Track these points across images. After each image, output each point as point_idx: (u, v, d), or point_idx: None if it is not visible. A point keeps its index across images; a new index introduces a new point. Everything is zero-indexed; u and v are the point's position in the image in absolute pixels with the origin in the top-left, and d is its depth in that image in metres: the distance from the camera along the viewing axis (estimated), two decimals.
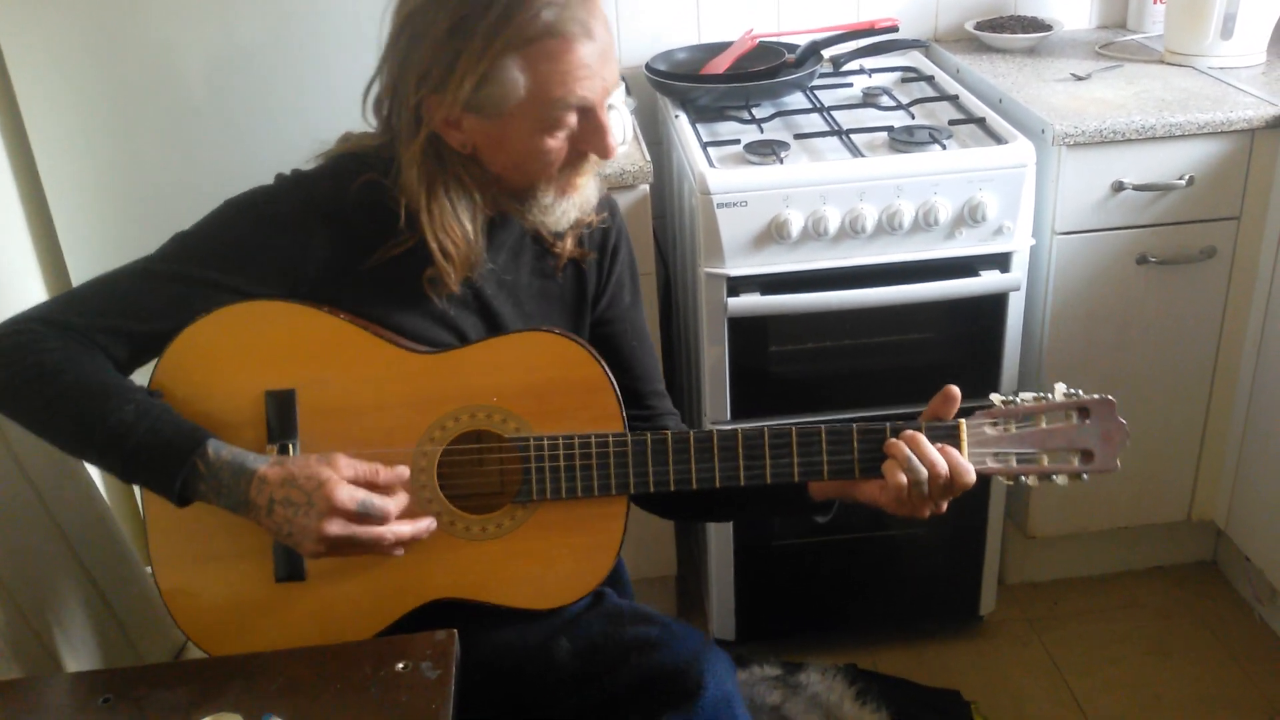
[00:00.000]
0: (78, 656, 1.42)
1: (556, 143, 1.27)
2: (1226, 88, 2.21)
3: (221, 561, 1.32)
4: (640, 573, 2.31)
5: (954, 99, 2.29)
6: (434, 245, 1.31)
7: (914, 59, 2.55)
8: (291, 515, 1.20)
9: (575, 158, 1.31)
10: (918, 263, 2.04)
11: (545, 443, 1.31)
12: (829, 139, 2.15)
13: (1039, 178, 2.07)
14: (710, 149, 2.10)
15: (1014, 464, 1.30)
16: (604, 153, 1.30)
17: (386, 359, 1.31)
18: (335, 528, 1.20)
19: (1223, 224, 2.16)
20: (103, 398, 1.23)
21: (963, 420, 1.30)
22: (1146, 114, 2.08)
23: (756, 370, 2.12)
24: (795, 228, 1.98)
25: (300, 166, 1.37)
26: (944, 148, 2.06)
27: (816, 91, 2.38)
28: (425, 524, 1.27)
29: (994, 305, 2.10)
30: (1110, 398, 1.30)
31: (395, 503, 1.24)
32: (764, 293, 2.03)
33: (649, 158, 2.09)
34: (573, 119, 1.27)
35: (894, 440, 1.28)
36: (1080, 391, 1.31)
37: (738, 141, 2.13)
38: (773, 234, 1.99)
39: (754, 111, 2.27)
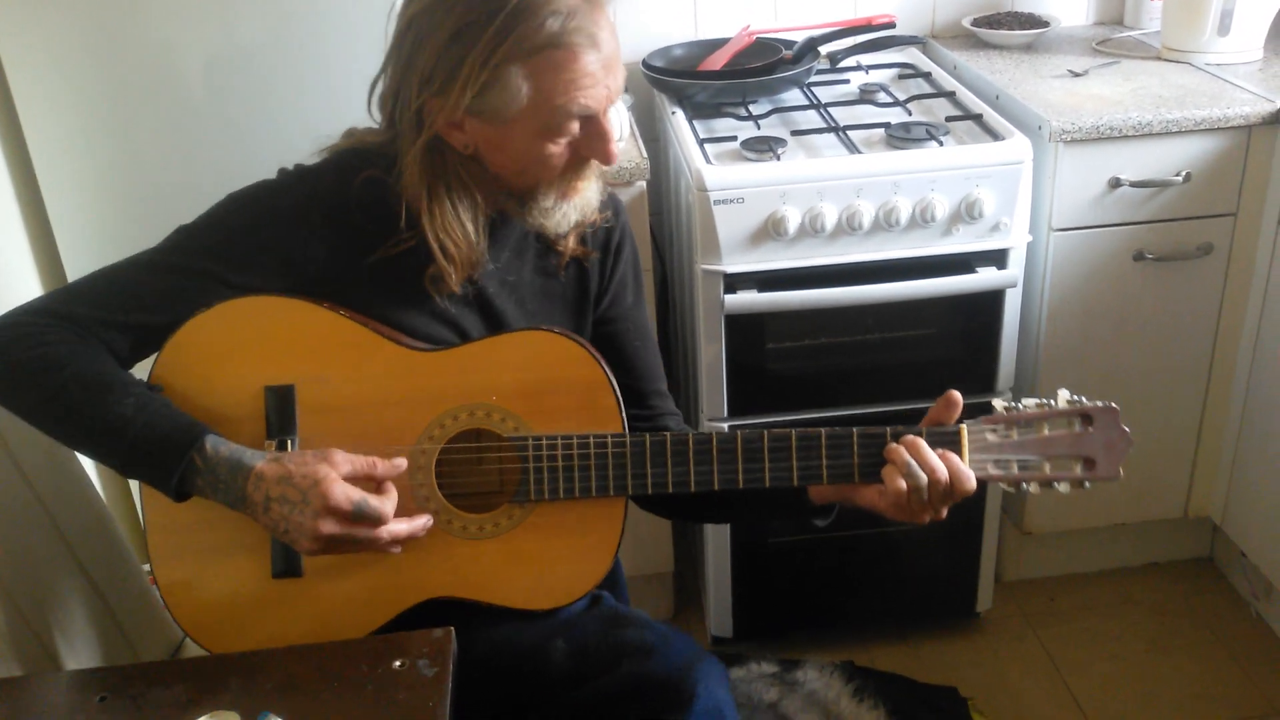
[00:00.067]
0: (75, 654, 1.42)
1: (558, 148, 1.27)
2: (1223, 84, 2.21)
3: (219, 556, 1.32)
4: (637, 570, 2.31)
5: (951, 95, 2.29)
6: (434, 245, 1.30)
7: (911, 55, 2.55)
8: (287, 513, 1.20)
9: (577, 162, 1.31)
10: (915, 259, 2.04)
11: (544, 442, 1.31)
12: (826, 135, 2.14)
13: (1036, 174, 2.07)
14: (707, 146, 2.10)
15: (1015, 471, 1.29)
16: (606, 159, 1.30)
17: (386, 356, 1.31)
18: (330, 526, 1.20)
19: (1219, 220, 2.16)
20: (102, 391, 1.23)
21: (964, 426, 1.29)
22: (1143, 110, 2.08)
23: (753, 367, 2.12)
24: (792, 225, 1.98)
25: (303, 161, 1.37)
26: (941, 144, 2.05)
27: (814, 88, 2.38)
28: (422, 522, 1.27)
29: (991, 302, 2.10)
30: (1114, 405, 1.29)
31: (391, 503, 1.24)
32: (761, 290, 2.03)
33: (646, 154, 2.09)
34: (575, 126, 1.26)
35: (894, 445, 1.27)
36: (1084, 399, 1.29)
37: (735, 138, 2.13)
38: (770, 231, 1.99)
39: (751, 108, 2.26)
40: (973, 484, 1.27)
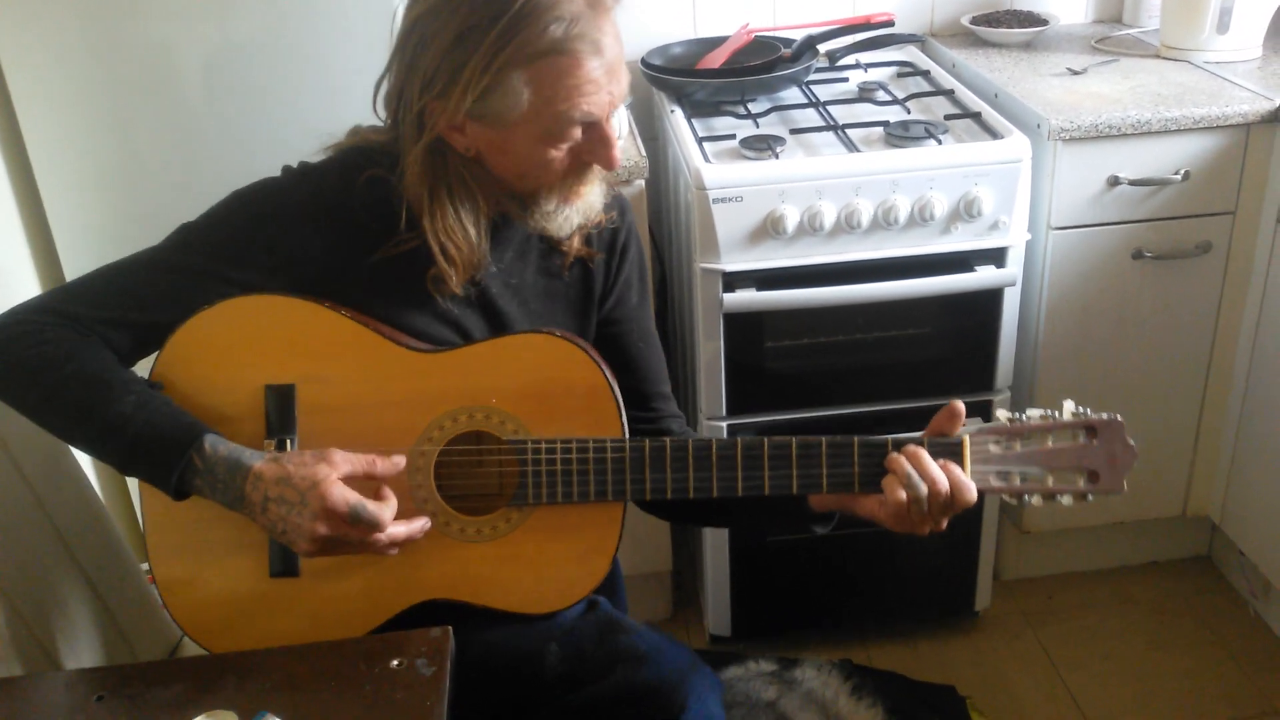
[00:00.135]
0: (72, 654, 1.42)
1: (560, 153, 1.27)
2: (1222, 82, 2.21)
3: (217, 555, 1.32)
4: (636, 569, 2.31)
5: (950, 94, 2.29)
6: (435, 247, 1.30)
7: (910, 54, 2.55)
8: (285, 514, 1.20)
9: (580, 166, 1.30)
10: (913, 258, 2.04)
11: (543, 446, 1.30)
12: (825, 134, 2.14)
13: (1035, 172, 2.07)
14: (706, 144, 2.10)
15: (1018, 483, 1.28)
16: (609, 164, 1.29)
17: (387, 357, 1.31)
18: (327, 528, 1.19)
19: (1218, 219, 2.16)
20: (102, 389, 1.23)
21: (966, 436, 1.28)
22: (1142, 109, 2.08)
23: (752, 366, 2.12)
24: (791, 223, 1.98)
25: (307, 159, 1.36)
26: (940, 143, 2.05)
27: (812, 86, 2.38)
28: (420, 524, 1.27)
29: (989, 300, 2.10)
30: (1118, 418, 1.28)
31: (390, 508, 1.23)
32: (760, 288, 2.03)
33: (645, 153, 2.09)
34: (577, 132, 1.25)
35: (895, 455, 1.26)
36: (1088, 410, 1.28)
37: (733, 136, 2.13)
38: (768, 229, 1.99)
39: (750, 106, 2.26)
40: (973, 495, 1.26)
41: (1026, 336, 2.24)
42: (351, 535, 1.21)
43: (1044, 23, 2.55)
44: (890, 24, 2.41)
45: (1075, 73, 2.32)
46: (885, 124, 2.14)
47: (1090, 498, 1.28)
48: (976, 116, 2.16)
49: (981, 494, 1.27)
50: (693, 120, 2.22)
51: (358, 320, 1.31)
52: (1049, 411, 1.29)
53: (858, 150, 2.04)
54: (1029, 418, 1.29)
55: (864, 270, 2.03)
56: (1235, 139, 2.10)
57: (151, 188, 1.92)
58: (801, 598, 2.38)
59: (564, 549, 1.33)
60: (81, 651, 1.43)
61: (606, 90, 1.24)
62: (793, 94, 2.35)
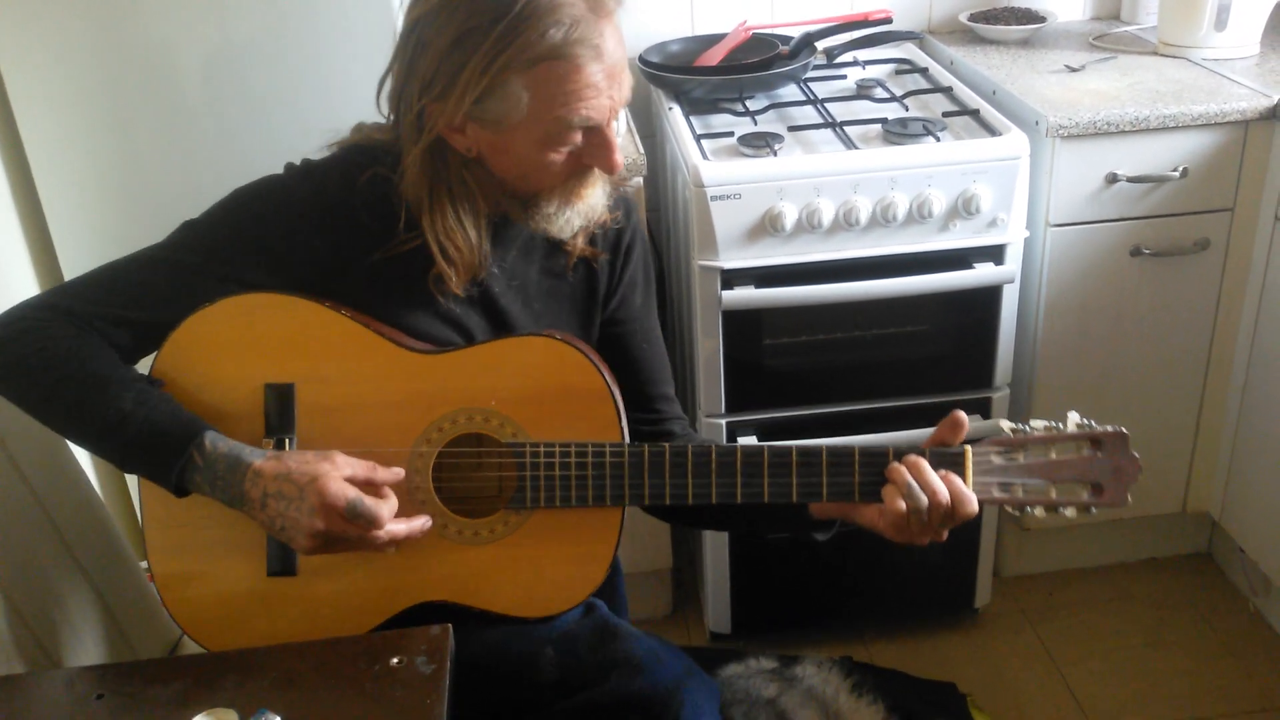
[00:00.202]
0: (72, 652, 1.42)
1: (560, 156, 1.26)
2: (1220, 79, 2.21)
3: (216, 553, 1.32)
4: (636, 566, 2.31)
5: (948, 91, 2.29)
6: (435, 248, 1.30)
7: (908, 51, 2.55)
8: (283, 509, 1.20)
9: (581, 170, 1.29)
10: (912, 255, 2.04)
11: (541, 450, 1.30)
12: (823, 131, 2.14)
13: (1033, 170, 2.07)
14: (704, 141, 2.10)
15: (1020, 494, 1.27)
16: (610, 169, 1.29)
17: (387, 357, 1.31)
18: (325, 524, 1.19)
19: (1217, 215, 2.16)
20: (102, 386, 1.23)
21: (968, 447, 1.27)
22: (1140, 106, 2.08)
23: (751, 363, 2.12)
24: (789, 220, 1.98)
25: (310, 156, 1.36)
26: (938, 140, 2.05)
27: (810, 84, 2.38)
28: (420, 523, 1.27)
29: (988, 297, 2.10)
30: (1123, 430, 1.26)
31: (389, 506, 1.22)
32: (758, 285, 2.03)
33: (642, 150, 2.09)
34: (577, 137, 1.25)
35: (895, 465, 1.25)
36: (1093, 423, 1.27)
37: (731, 134, 2.13)
38: (767, 226, 1.99)
39: (748, 104, 2.26)
40: (974, 507, 1.25)
41: (1025, 334, 2.24)
42: (350, 532, 1.21)
43: (1042, 20, 2.55)
44: (888, 21, 2.41)
45: (1073, 70, 2.32)
46: (883, 121, 2.14)
47: (1093, 510, 1.27)
48: (975, 114, 2.16)
49: (983, 505, 1.26)
50: (691, 118, 2.22)
51: (358, 320, 1.31)
52: (1053, 423, 1.28)
53: (856, 147, 2.04)
54: (1033, 429, 1.27)
55: (862, 267, 2.03)
56: (1233, 136, 2.10)
57: (150, 187, 1.92)
58: (801, 595, 2.38)
59: (561, 553, 1.33)
60: (81, 649, 1.43)
61: (607, 95, 1.23)
62: (791, 91, 2.35)
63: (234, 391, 1.30)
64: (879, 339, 2.17)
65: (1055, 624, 2.43)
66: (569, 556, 1.33)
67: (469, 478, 1.34)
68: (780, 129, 2.15)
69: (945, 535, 1.27)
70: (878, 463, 1.27)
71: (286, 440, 1.29)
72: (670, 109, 2.27)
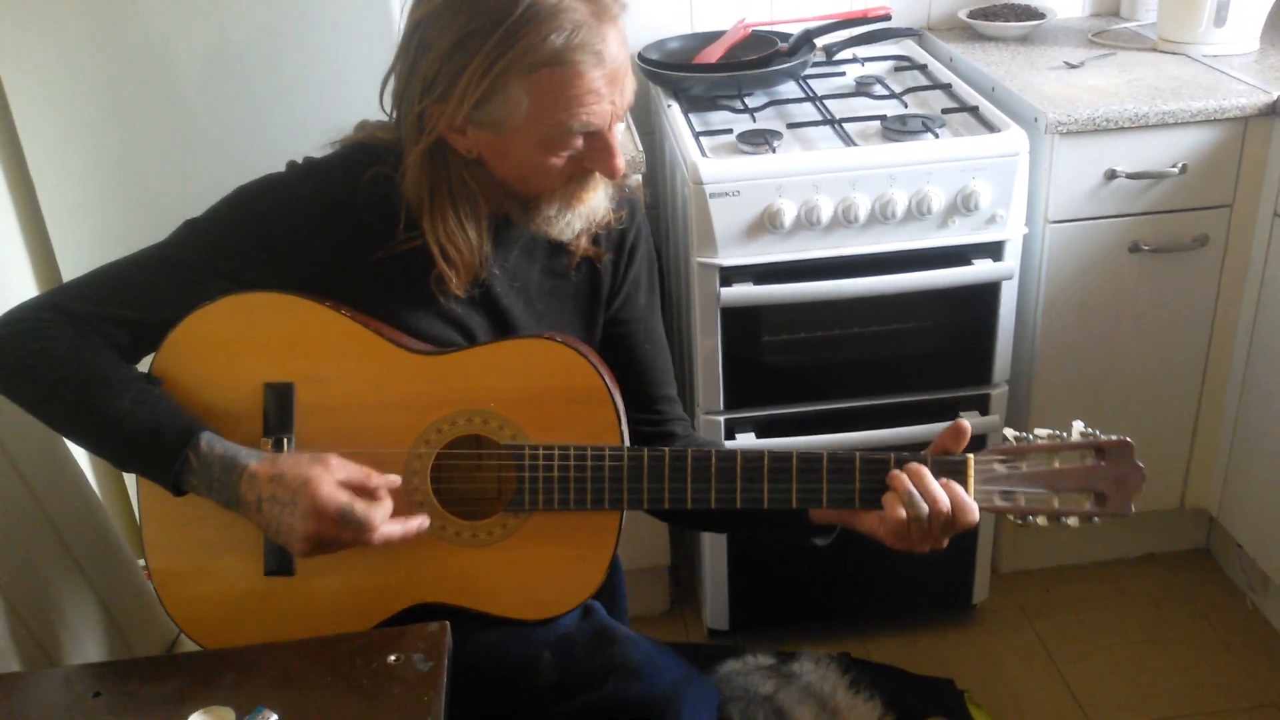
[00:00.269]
0: (69, 650, 1.42)
1: (560, 160, 1.25)
2: (1220, 75, 2.21)
3: (214, 552, 1.32)
4: (634, 563, 2.31)
5: (947, 87, 2.29)
6: (436, 249, 1.29)
7: (907, 47, 2.55)
8: (278, 513, 1.19)
9: (582, 174, 1.28)
10: (910, 252, 2.04)
11: (540, 452, 1.29)
12: (822, 128, 2.14)
13: (1032, 166, 2.07)
14: (703, 138, 2.09)
15: (1022, 503, 1.26)
16: (611, 173, 1.28)
17: (386, 358, 1.30)
18: (318, 527, 1.19)
19: (1215, 212, 2.16)
20: (99, 387, 1.23)
21: (971, 455, 1.26)
22: (1139, 102, 2.08)
23: (750, 360, 2.12)
24: (788, 217, 1.98)
25: (312, 154, 1.35)
26: (937, 136, 2.05)
27: (809, 80, 2.38)
28: (416, 523, 1.25)
29: (987, 294, 2.10)
30: (1128, 439, 1.26)
31: (381, 510, 1.21)
32: (757, 283, 2.02)
33: (641, 148, 2.09)
34: (578, 141, 1.24)
35: (896, 472, 1.24)
36: (1098, 432, 1.26)
37: (730, 131, 2.13)
38: (765, 224, 1.99)
39: (747, 101, 2.26)
40: (975, 516, 1.24)
41: (1024, 330, 2.24)
42: (343, 536, 1.20)
43: (1041, 16, 2.54)
44: (887, 18, 2.41)
45: (1072, 66, 2.32)
46: (882, 118, 2.14)
47: (1096, 520, 1.26)
48: (974, 110, 2.16)
49: (984, 513, 1.26)
50: (689, 115, 2.22)
51: (358, 320, 1.30)
52: (1057, 431, 1.27)
53: (855, 144, 2.04)
54: (1036, 437, 1.27)
55: (861, 264, 2.03)
56: (1232, 132, 2.09)
57: (148, 187, 1.91)
58: (799, 591, 2.38)
59: (560, 556, 1.32)
60: (79, 648, 1.43)
61: (609, 100, 1.22)
62: (789, 88, 2.35)
63: (233, 391, 1.30)
64: (878, 336, 2.17)
65: (1053, 620, 2.43)
66: (567, 559, 1.33)
67: (468, 479, 1.34)
68: (779, 126, 2.15)
69: (946, 543, 1.26)
70: (879, 469, 1.26)
71: (285, 440, 1.29)
72: (669, 106, 2.27)
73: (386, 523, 1.22)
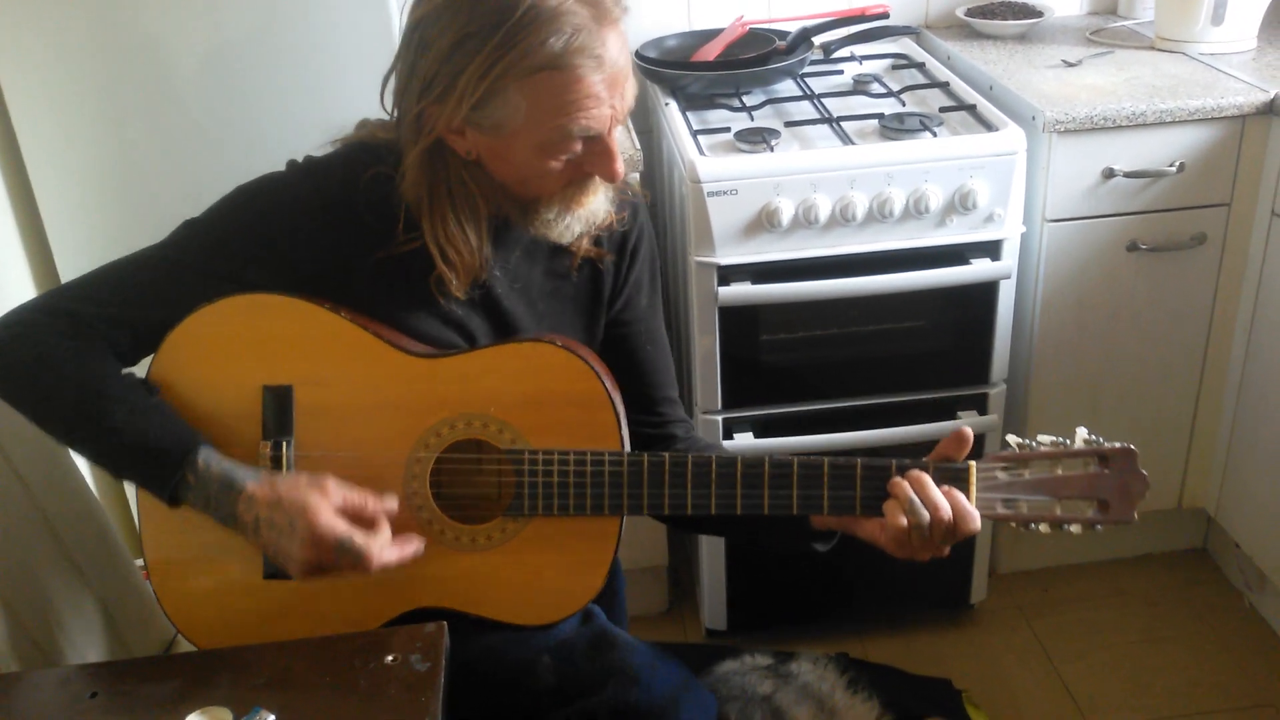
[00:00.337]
0: (67, 650, 1.41)
1: (559, 164, 1.24)
2: (1217, 74, 2.21)
3: (212, 554, 1.31)
4: (633, 564, 2.30)
5: (945, 86, 2.29)
6: (435, 250, 1.28)
7: (905, 46, 2.55)
8: (275, 538, 1.19)
9: (582, 177, 1.27)
10: (908, 250, 2.03)
11: (540, 457, 1.28)
12: (819, 126, 2.14)
13: (1030, 165, 2.07)
14: (700, 137, 2.09)
15: (1024, 511, 1.25)
16: (610, 177, 1.27)
17: (386, 361, 1.29)
18: (315, 555, 1.18)
19: (1213, 210, 2.16)
20: (96, 399, 1.22)
21: (973, 463, 1.25)
22: (1137, 100, 2.08)
23: (748, 359, 2.12)
24: (786, 216, 1.97)
25: (312, 153, 1.35)
26: (935, 135, 2.05)
27: (807, 79, 2.37)
28: (412, 549, 1.25)
29: (985, 293, 2.10)
30: (1131, 447, 1.25)
31: (378, 541, 1.20)
32: (755, 281, 2.02)
33: (639, 146, 2.09)
34: (577, 145, 1.23)
35: (898, 479, 1.24)
36: (1101, 439, 1.26)
37: (728, 129, 2.12)
38: (763, 222, 1.98)
39: (744, 99, 2.26)
40: (977, 524, 1.23)
41: (1022, 329, 2.24)
42: (341, 563, 1.20)
43: (1039, 14, 2.54)
44: (885, 16, 2.40)
45: (1070, 65, 2.32)
46: (880, 116, 2.13)
47: (1099, 528, 1.26)
48: (971, 109, 2.16)
49: (989, 520, 1.25)
50: (687, 113, 2.22)
51: (357, 323, 1.29)
52: (1060, 439, 1.26)
53: (852, 143, 2.04)
54: (1039, 444, 1.26)
55: (859, 263, 2.03)
56: (1230, 131, 2.09)
57: (146, 187, 1.91)
58: (797, 591, 2.38)
59: (560, 560, 1.31)
60: (76, 648, 1.43)
61: (608, 104, 1.21)
62: (787, 86, 2.35)
63: (231, 393, 1.29)
64: (875, 335, 2.17)
65: (1051, 620, 2.43)
66: (567, 564, 1.32)
67: (467, 484, 1.33)
68: (777, 124, 2.14)
69: (947, 551, 1.26)
70: (880, 476, 1.25)
71: (284, 443, 1.28)
72: (667, 104, 2.26)
73: (385, 549, 1.21)
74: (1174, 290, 2.21)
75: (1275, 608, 2.37)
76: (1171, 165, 2.10)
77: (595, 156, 1.25)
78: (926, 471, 1.24)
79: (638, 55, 2.35)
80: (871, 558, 2.35)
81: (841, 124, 2.11)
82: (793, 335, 2.14)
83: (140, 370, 1.29)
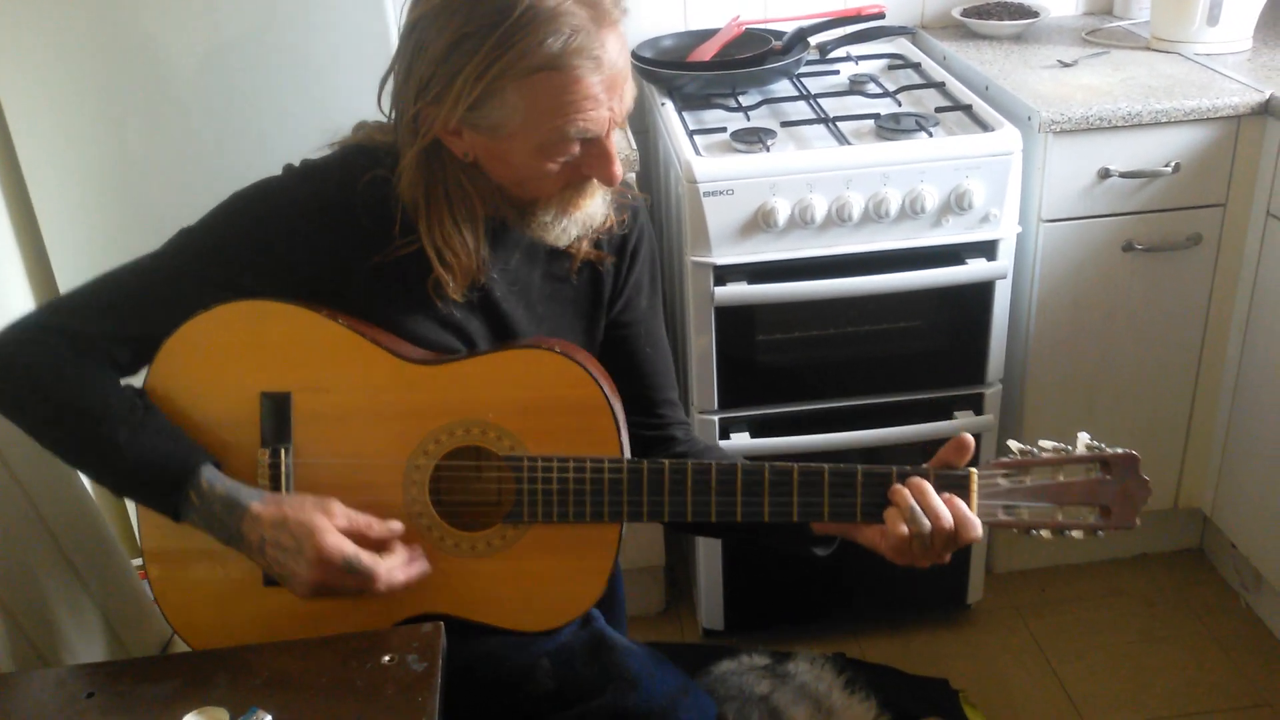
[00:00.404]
0: (64, 651, 1.41)
1: (556, 166, 1.23)
2: (1213, 74, 2.21)
3: (212, 559, 1.30)
4: (630, 563, 2.31)
5: (941, 86, 2.29)
6: (432, 253, 1.27)
7: (901, 46, 2.55)
8: (281, 558, 1.19)
9: (580, 180, 1.27)
10: (904, 251, 2.04)
11: (539, 464, 1.28)
12: (816, 127, 2.14)
13: (1025, 165, 2.07)
14: (697, 137, 2.09)
15: (1025, 517, 1.25)
16: (608, 180, 1.26)
17: (384, 367, 1.29)
18: (322, 576, 1.19)
19: (1209, 211, 2.16)
20: (95, 419, 1.22)
21: (974, 470, 1.24)
22: (1133, 101, 2.08)
23: (744, 359, 2.12)
24: (782, 216, 1.98)
25: (309, 155, 1.34)
26: (931, 135, 2.05)
27: (803, 79, 2.37)
28: (417, 570, 1.25)
29: (980, 293, 2.10)
30: (1133, 452, 1.24)
31: (386, 564, 1.21)
32: (751, 282, 2.02)
33: (635, 146, 2.09)
34: (575, 147, 1.22)
35: (899, 487, 1.23)
36: (1103, 445, 1.25)
37: (724, 129, 2.13)
38: (759, 222, 1.98)
39: (740, 99, 2.26)
40: (978, 532, 1.23)
41: (1017, 329, 2.24)
42: (348, 584, 1.20)
43: (1034, 15, 2.55)
44: (881, 16, 2.41)
45: (1066, 65, 2.32)
46: (876, 116, 2.14)
47: (1101, 534, 1.25)
48: (967, 109, 2.16)
49: (990, 527, 1.25)
50: (683, 113, 2.22)
51: (355, 329, 1.29)
52: (1062, 445, 1.26)
53: (849, 143, 2.04)
54: (1041, 450, 1.25)
55: (855, 263, 2.03)
56: (1225, 131, 2.10)
57: (144, 191, 1.91)
58: (794, 591, 2.38)
59: (560, 567, 1.31)
60: (73, 648, 1.43)
61: (606, 107, 1.20)
62: (783, 87, 2.35)
63: (229, 400, 1.28)
64: (871, 335, 2.17)
65: (1048, 620, 2.43)
66: (567, 571, 1.32)
67: (466, 490, 1.33)
68: (773, 124, 2.15)
69: (948, 558, 1.25)
70: (881, 483, 1.25)
71: (282, 450, 1.28)
72: (663, 104, 2.26)
73: (392, 570, 1.21)
74: (1169, 290, 2.21)
75: (1271, 608, 2.37)
76: (1167, 166, 2.11)
77: (593, 159, 1.24)
78: (927, 479, 1.24)
79: (634, 55, 2.35)
80: (869, 558, 2.36)
81: (837, 124, 2.11)
82: (789, 335, 2.14)
83: (138, 377, 1.29)
